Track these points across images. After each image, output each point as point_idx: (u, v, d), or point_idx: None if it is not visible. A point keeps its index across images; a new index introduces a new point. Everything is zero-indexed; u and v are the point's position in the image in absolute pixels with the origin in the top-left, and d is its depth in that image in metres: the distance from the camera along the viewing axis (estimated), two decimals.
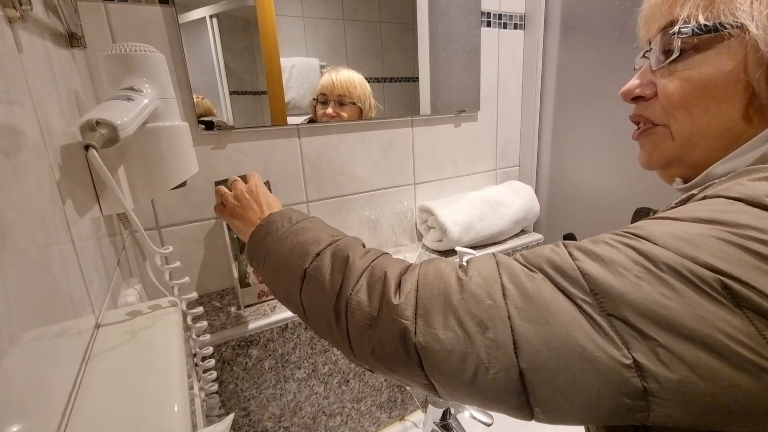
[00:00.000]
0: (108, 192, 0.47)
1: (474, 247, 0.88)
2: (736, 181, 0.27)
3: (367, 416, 0.80)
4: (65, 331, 0.28)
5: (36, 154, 0.29)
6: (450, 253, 0.87)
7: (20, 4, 0.29)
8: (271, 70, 0.74)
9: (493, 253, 0.33)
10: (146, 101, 0.45)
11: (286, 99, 0.77)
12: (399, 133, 0.88)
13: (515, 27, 0.99)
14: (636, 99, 0.38)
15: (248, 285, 0.68)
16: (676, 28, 0.33)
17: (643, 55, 0.38)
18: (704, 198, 0.28)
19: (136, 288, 0.55)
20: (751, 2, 0.30)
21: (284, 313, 0.66)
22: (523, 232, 1.01)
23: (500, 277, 0.30)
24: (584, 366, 0.25)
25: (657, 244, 0.26)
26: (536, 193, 1.05)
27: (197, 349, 0.48)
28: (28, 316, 0.23)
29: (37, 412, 0.22)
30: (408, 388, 0.84)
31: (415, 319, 0.31)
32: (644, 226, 0.28)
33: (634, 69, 0.39)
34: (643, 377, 0.24)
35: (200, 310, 0.46)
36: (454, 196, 0.95)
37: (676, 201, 0.31)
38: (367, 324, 0.34)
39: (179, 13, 0.63)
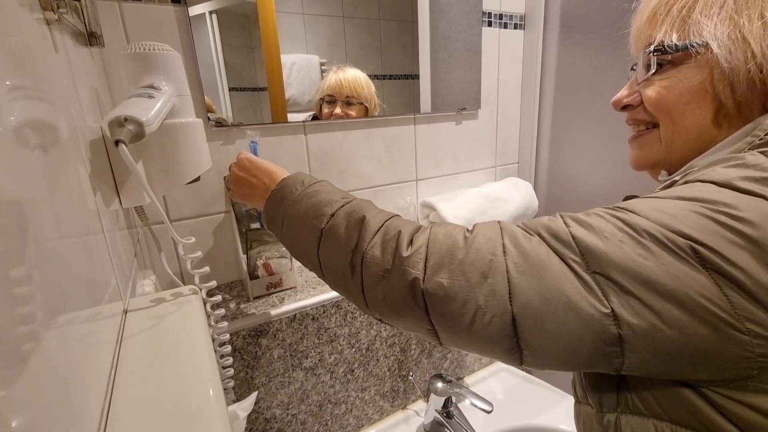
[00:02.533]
0: (128, 185, 0.49)
1: None
2: (712, 168, 0.31)
3: (371, 405, 0.83)
4: (101, 313, 0.31)
5: (74, 149, 0.31)
6: None
7: (57, 8, 0.31)
8: (272, 66, 0.75)
9: (498, 221, 0.37)
10: (165, 98, 0.46)
11: (287, 96, 0.78)
12: (401, 131, 0.90)
13: (515, 27, 1.01)
14: (625, 108, 0.43)
15: (257, 277, 0.70)
16: (652, 48, 0.38)
17: (632, 68, 0.42)
18: (686, 183, 0.32)
19: (152, 279, 0.57)
20: (715, 24, 0.34)
21: (292, 305, 0.68)
22: None
23: (502, 239, 0.34)
24: (569, 314, 0.29)
25: (640, 215, 0.30)
26: (535, 189, 1.08)
27: (215, 336, 0.50)
28: (76, 298, 0.25)
29: (86, 384, 0.24)
30: (410, 377, 0.87)
31: (425, 269, 0.35)
32: (632, 202, 0.32)
33: (628, 79, 0.43)
34: (619, 325, 0.28)
35: (219, 298, 0.48)
36: (456, 192, 0.98)
37: (660, 186, 0.35)
38: (380, 275, 0.38)
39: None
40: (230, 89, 0.72)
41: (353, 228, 0.41)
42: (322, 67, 0.81)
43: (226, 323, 0.50)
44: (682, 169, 0.38)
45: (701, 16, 0.35)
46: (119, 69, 0.52)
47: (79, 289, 0.26)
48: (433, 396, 0.79)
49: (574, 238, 0.31)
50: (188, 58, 0.66)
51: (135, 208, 0.55)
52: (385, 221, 0.41)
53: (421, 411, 0.87)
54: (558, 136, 1.04)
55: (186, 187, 0.71)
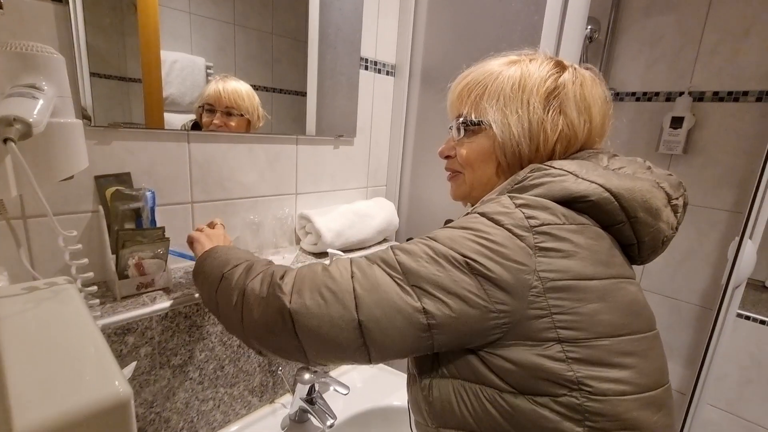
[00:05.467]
0: None
1: (344, 251, 1.05)
2: (484, 204, 0.49)
3: (239, 400, 0.88)
4: None
5: None
6: (323, 255, 1.02)
7: None
8: (149, 59, 0.72)
9: (350, 258, 0.50)
10: (47, 99, 0.49)
11: (165, 94, 0.76)
12: (285, 149, 1.00)
13: (387, 73, 1.21)
14: (447, 157, 0.62)
15: (127, 277, 0.71)
16: (460, 120, 0.56)
17: (450, 128, 0.61)
18: (472, 212, 0.49)
19: (4, 275, 0.56)
20: (494, 111, 0.54)
21: (164, 303, 0.71)
22: (385, 240, 1.22)
23: (351, 268, 0.46)
24: (397, 314, 0.43)
25: (438, 242, 0.45)
26: (398, 208, 1.28)
27: None
28: None
29: None
30: (279, 371, 0.95)
31: (291, 294, 0.46)
32: (437, 232, 0.48)
33: (449, 133, 0.62)
34: (427, 317, 0.42)
35: (95, 288, 0.51)
36: (330, 206, 1.11)
37: (463, 214, 0.52)
38: (258, 302, 0.48)
39: None
40: (91, 74, 0.66)
41: (243, 272, 0.53)
42: (208, 71, 0.82)
43: (99, 312, 0.52)
44: (478, 203, 0.57)
45: (486, 104, 0.55)
46: None
47: None
48: (299, 385, 0.89)
49: (399, 263, 0.45)
50: (66, 56, 0.66)
51: None
52: (267, 266, 0.53)
53: (288, 404, 0.96)
54: (418, 166, 1.27)
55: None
